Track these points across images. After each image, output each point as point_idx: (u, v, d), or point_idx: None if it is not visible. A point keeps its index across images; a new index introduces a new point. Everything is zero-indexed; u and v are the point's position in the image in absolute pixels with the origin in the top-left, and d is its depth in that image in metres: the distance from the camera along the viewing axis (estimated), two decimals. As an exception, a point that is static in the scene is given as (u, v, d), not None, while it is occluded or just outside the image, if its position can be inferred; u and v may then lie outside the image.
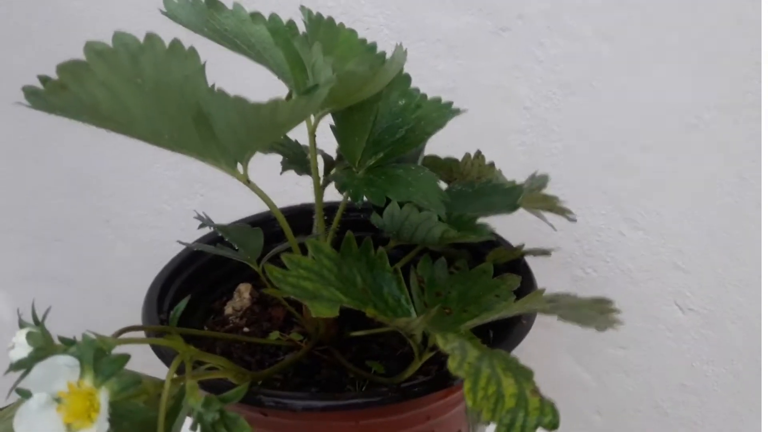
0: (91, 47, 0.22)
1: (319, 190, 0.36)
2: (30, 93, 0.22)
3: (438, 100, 0.39)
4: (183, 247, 0.40)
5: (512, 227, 0.58)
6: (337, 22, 0.56)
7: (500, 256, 0.39)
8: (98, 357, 0.21)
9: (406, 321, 0.25)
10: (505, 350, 0.32)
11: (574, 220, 0.50)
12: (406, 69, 0.56)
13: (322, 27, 0.39)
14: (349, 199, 0.33)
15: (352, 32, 0.40)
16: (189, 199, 0.65)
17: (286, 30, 0.34)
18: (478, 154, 0.42)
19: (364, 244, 0.28)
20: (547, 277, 0.60)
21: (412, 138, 0.37)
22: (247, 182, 0.30)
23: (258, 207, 0.45)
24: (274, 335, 0.38)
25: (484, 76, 0.56)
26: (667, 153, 0.54)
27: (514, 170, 0.58)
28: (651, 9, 0.50)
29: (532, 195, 0.45)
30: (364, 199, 0.33)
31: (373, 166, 0.36)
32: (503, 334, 0.33)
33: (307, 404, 0.28)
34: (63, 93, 0.22)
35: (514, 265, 0.40)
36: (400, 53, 0.30)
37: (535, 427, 0.21)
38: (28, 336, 0.21)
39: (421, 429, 0.32)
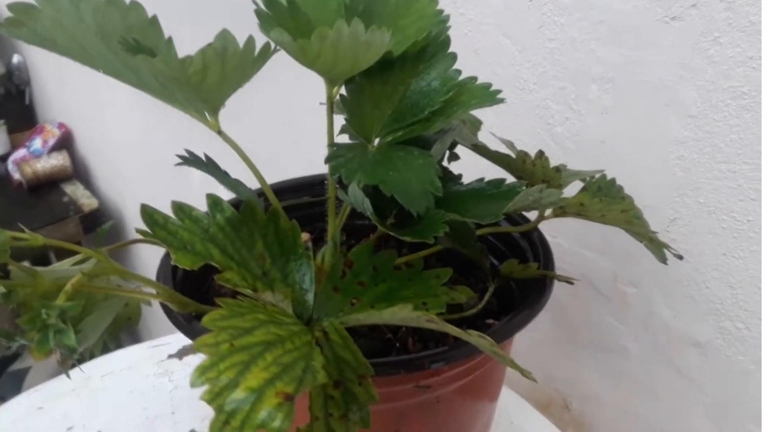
0: (36, -8, 0.26)
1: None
2: (1, 25, 0.27)
3: (485, 87, 0.36)
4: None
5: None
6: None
7: (514, 270, 0.35)
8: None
9: (260, 294, 0.25)
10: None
11: (679, 257, 0.42)
12: (565, 48, 0.51)
13: (396, -7, 0.38)
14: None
15: (431, 2, 0.38)
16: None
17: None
18: (541, 154, 0.38)
19: (272, 213, 0.28)
20: (688, 319, 0.51)
21: (435, 120, 0.35)
22: (219, 132, 0.32)
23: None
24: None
25: (646, 72, 0.48)
26: None
27: (667, 185, 0.50)
28: None
29: (611, 213, 0.39)
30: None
31: (389, 143, 0.35)
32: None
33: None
34: (22, 27, 0.27)
35: (533, 285, 0.36)
36: (378, 34, 0.28)
37: (258, 426, 0.20)
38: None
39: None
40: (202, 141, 1.00)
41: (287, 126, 0.88)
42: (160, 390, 0.54)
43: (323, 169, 0.51)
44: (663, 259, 0.42)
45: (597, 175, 0.43)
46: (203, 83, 0.27)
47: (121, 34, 0.27)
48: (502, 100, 0.35)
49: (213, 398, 0.20)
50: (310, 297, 0.28)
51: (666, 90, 0.47)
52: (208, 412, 0.20)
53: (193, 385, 0.21)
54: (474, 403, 0.36)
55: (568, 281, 0.37)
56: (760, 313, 0.48)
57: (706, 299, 0.51)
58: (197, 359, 0.59)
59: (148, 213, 0.26)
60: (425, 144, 0.36)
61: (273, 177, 0.48)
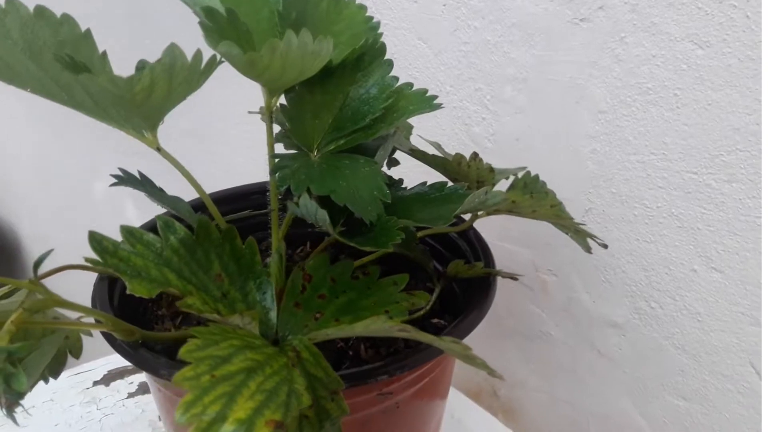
0: (-45, 6, 0.24)
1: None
2: None
3: (422, 93, 0.36)
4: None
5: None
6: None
7: (460, 271, 0.36)
8: None
9: (226, 318, 0.24)
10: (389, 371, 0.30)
11: (604, 246, 0.44)
12: (479, 50, 0.52)
13: (325, 0, 0.38)
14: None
15: (360, 9, 0.38)
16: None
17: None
18: (475, 156, 0.39)
19: (227, 231, 0.27)
20: (606, 303, 0.54)
21: (378, 127, 0.35)
22: (158, 149, 0.31)
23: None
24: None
25: (558, 71, 0.50)
26: (760, 188, 0.45)
27: (581, 177, 0.52)
28: (758, 14, 0.41)
29: (542, 208, 0.40)
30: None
31: (331, 152, 0.35)
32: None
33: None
34: (-60, 46, 0.25)
35: (479, 283, 0.37)
36: (324, 43, 0.28)
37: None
38: None
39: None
40: (109, 156, 0.95)
41: (202, 138, 0.85)
42: (88, 420, 0.50)
43: (246, 179, 0.49)
44: (587, 249, 0.45)
45: (520, 173, 0.45)
46: (148, 100, 0.25)
47: (53, 49, 0.26)
48: (439, 106, 0.36)
49: (202, 433, 0.19)
50: (272, 315, 0.28)
51: (577, 88, 0.50)
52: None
53: (178, 422, 0.20)
54: (430, 403, 0.37)
55: (513, 277, 0.38)
56: (670, 291, 0.51)
57: (622, 282, 0.54)
58: (125, 384, 0.56)
59: (96, 240, 0.24)
60: (367, 151, 0.36)
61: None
